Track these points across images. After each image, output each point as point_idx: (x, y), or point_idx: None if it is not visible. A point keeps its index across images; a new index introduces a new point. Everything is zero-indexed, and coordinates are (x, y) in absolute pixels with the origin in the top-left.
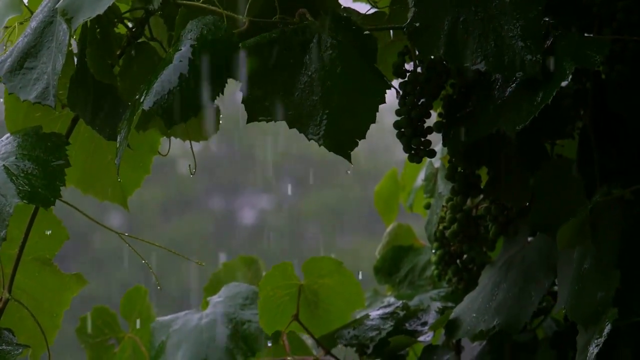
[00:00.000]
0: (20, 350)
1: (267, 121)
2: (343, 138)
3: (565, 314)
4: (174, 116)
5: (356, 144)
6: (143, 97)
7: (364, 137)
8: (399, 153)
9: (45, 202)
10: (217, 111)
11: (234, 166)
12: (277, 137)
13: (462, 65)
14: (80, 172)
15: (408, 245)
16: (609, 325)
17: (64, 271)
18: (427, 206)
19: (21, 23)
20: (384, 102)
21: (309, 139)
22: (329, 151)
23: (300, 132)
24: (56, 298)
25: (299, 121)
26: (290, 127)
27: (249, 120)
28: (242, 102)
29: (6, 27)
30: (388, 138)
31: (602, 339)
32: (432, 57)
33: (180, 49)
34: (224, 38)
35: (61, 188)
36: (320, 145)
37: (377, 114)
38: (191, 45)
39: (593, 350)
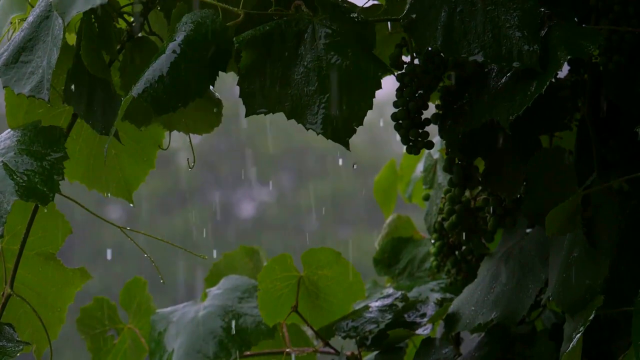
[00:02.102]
0: (21, 347)
1: (265, 114)
2: (341, 126)
3: None
4: (162, 105)
5: (354, 132)
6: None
7: (361, 124)
8: (399, 145)
9: (44, 199)
10: (219, 104)
11: (233, 159)
12: (276, 129)
13: (459, 56)
14: (84, 167)
15: (407, 236)
16: (593, 313)
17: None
18: (426, 197)
19: (22, 20)
20: (380, 87)
21: (307, 129)
22: (328, 139)
23: (298, 122)
24: (60, 293)
25: (297, 112)
26: (289, 118)
27: (247, 114)
28: (240, 96)
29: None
30: (388, 130)
31: (583, 327)
32: (430, 48)
33: (174, 40)
34: (219, 30)
35: (61, 182)
36: (318, 135)
37: (378, 107)
38: (185, 37)
39: (576, 338)
